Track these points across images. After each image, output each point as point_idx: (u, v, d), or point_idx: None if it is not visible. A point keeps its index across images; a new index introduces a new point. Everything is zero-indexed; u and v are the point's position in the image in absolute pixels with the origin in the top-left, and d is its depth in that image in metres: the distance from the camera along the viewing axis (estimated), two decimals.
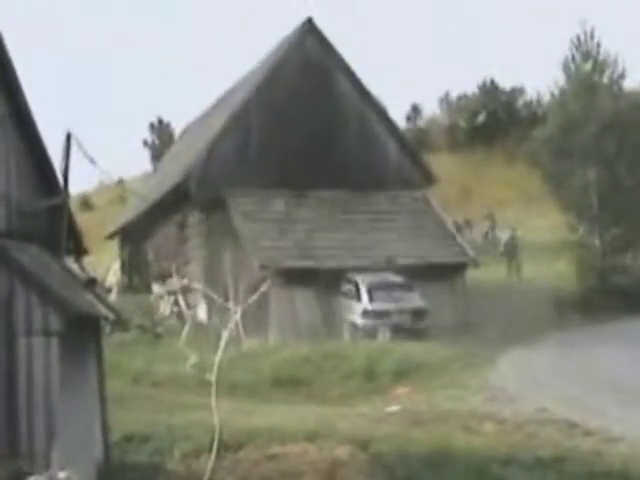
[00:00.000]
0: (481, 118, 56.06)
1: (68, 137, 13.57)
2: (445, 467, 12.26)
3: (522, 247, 35.52)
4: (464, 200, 44.17)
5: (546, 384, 19.16)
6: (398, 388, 19.48)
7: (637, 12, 79.32)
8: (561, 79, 35.70)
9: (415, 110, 60.12)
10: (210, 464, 8.64)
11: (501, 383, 19.35)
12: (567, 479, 11.79)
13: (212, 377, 14.56)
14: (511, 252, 35.49)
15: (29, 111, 12.85)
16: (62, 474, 11.31)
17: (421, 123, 59.85)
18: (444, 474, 12.07)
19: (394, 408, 16.75)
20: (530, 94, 57.36)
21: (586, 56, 34.90)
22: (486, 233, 39.65)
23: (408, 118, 59.39)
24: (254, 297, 20.04)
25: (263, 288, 24.36)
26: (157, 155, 55.86)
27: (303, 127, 28.85)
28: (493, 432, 14.76)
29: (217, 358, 8.87)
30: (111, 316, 14.16)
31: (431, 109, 60.69)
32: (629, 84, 35.44)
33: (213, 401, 14.16)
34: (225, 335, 16.32)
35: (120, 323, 18.02)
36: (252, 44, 65.70)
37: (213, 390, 13.50)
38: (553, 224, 35.34)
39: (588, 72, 34.85)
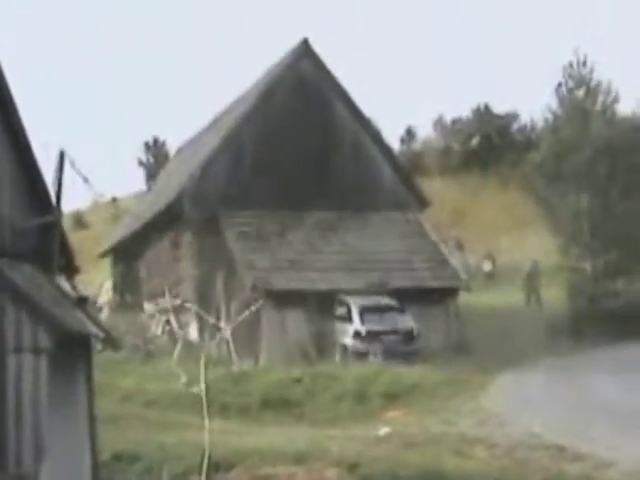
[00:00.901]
0: (475, 142, 56.26)
1: (61, 155, 13.59)
2: None
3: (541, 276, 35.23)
4: (457, 223, 44.22)
5: (537, 409, 19.13)
6: (389, 411, 19.44)
7: (630, 39, 79.80)
8: (554, 105, 35.88)
9: (409, 133, 60.31)
10: None
11: (492, 407, 19.32)
12: None
13: (202, 393, 14.53)
14: (533, 282, 35.14)
15: (22, 129, 12.83)
16: None
17: (415, 146, 60.00)
18: None
19: (385, 431, 16.71)
20: (524, 119, 57.61)
21: (579, 82, 35.08)
22: (490, 273, 39.03)
23: (402, 141, 59.57)
24: (243, 316, 20.02)
25: (254, 307, 24.43)
26: (152, 174, 55.89)
27: (297, 148, 28.90)
28: (483, 456, 14.73)
29: (201, 375, 8.83)
30: (101, 334, 14.12)
31: (425, 132, 60.85)
32: (622, 109, 35.57)
33: (206, 422, 14.18)
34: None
35: (111, 342, 17.97)
36: (249, 64, 65.78)
37: (204, 409, 13.49)
38: (546, 249, 35.39)
39: (581, 98, 35.03)
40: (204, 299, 27.65)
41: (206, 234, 27.78)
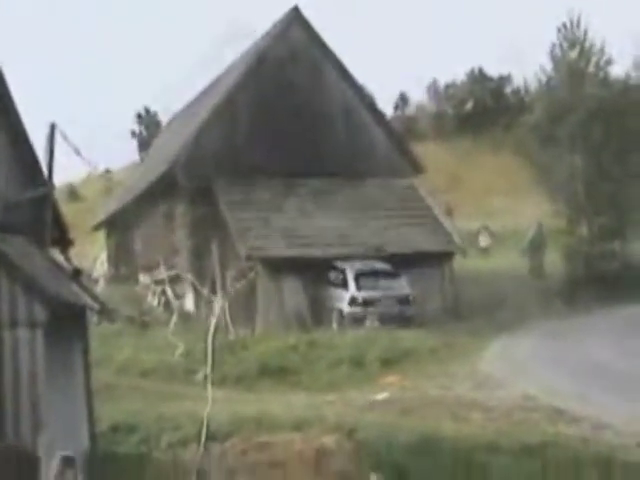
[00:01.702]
0: (469, 106, 56.10)
1: (52, 128, 13.54)
2: (432, 454, 12.30)
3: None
4: (452, 188, 44.19)
5: (533, 372, 19.19)
6: (386, 376, 19.48)
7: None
8: (548, 66, 35.68)
9: (403, 98, 60.10)
10: (199, 454, 8.65)
11: (488, 371, 19.36)
12: (553, 465, 11.83)
13: (207, 369, 14.63)
14: (537, 249, 34.07)
15: (12, 102, 12.80)
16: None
17: (409, 111, 59.83)
18: (431, 461, 12.10)
19: (382, 396, 16.76)
20: (517, 82, 57.37)
21: (573, 43, 34.86)
22: (486, 248, 38.37)
23: (396, 106, 59.39)
24: (238, 286, 20.14)
25: (250, 276, 24.48)
26: (144, 145, 55.72)
27: (290, 116, 28.77)
28: (480, 420, 14.79)
29: (209, 350, 8.91)
30: (96, 307, 14.15)
31: (419, 97, 60.64)
32: (616, 72, 35.39)
33: (209, 392, 14.22)
34: (212, 325, 16.38)
35: (107, 314, 17.99)
36: (240, 32, 65.27)
37: (209, 381, 13.53)
38: (541, 212, 35.35)
39: (574, 59, 34.83)
40: (199, 269, 27.68)
41: (200, 204, 27.69)
